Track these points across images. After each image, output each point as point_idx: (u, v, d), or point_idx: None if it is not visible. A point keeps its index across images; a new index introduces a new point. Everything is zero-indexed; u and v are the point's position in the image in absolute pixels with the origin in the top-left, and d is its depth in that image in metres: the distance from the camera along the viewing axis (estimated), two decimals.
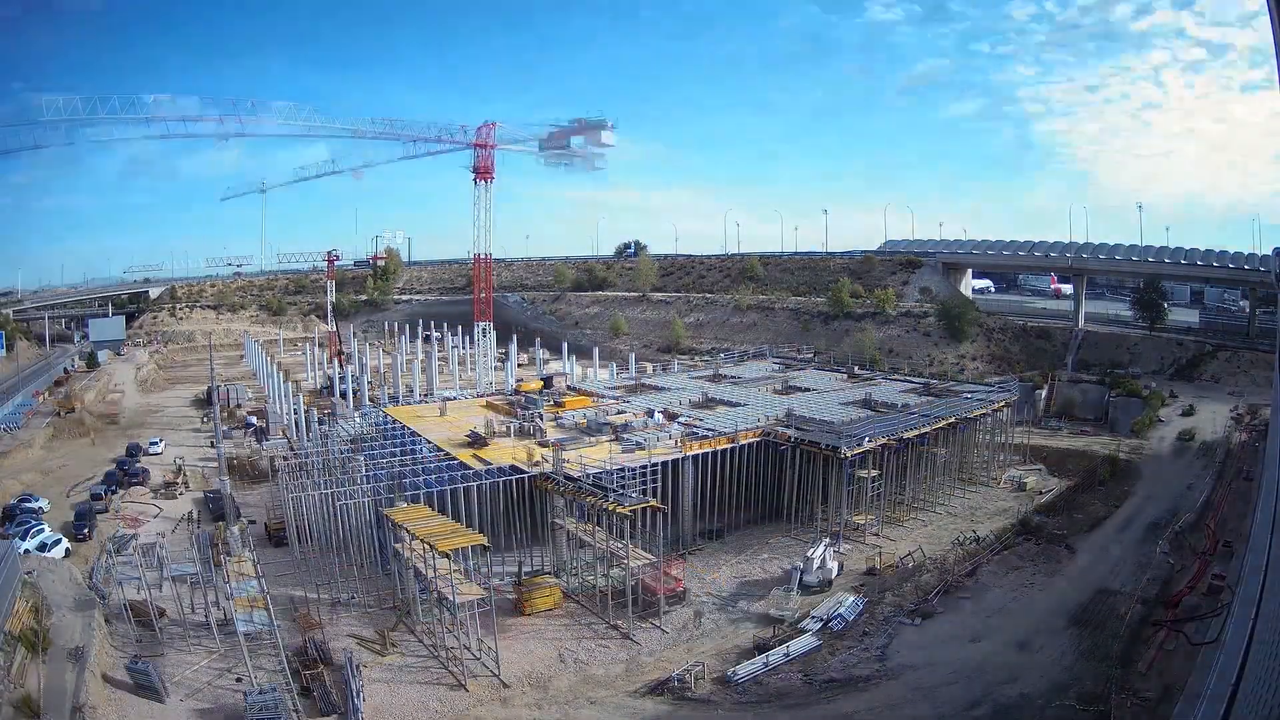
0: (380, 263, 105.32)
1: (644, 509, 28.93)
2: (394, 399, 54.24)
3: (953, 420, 41.11)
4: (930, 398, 46.32)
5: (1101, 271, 73.22)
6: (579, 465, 32.52)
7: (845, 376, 54.32)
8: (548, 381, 52.94)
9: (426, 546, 25.89)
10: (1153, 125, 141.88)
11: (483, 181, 55.58)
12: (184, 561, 29.34)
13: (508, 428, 40.88)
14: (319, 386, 66.02)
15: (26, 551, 29.82)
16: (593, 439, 38.63)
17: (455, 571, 25.61)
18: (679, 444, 36.20)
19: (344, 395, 57.59)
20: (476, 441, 37.91)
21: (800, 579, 29.51)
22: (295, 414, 49.52)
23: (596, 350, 71.55)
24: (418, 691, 23.72)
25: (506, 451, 36.24)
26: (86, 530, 34.88)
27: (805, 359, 63.34)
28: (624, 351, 74.15)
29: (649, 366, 66.26)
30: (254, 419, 56.81)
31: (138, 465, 45.41)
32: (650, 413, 42.89)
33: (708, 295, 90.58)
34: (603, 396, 48.67)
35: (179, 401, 67.02)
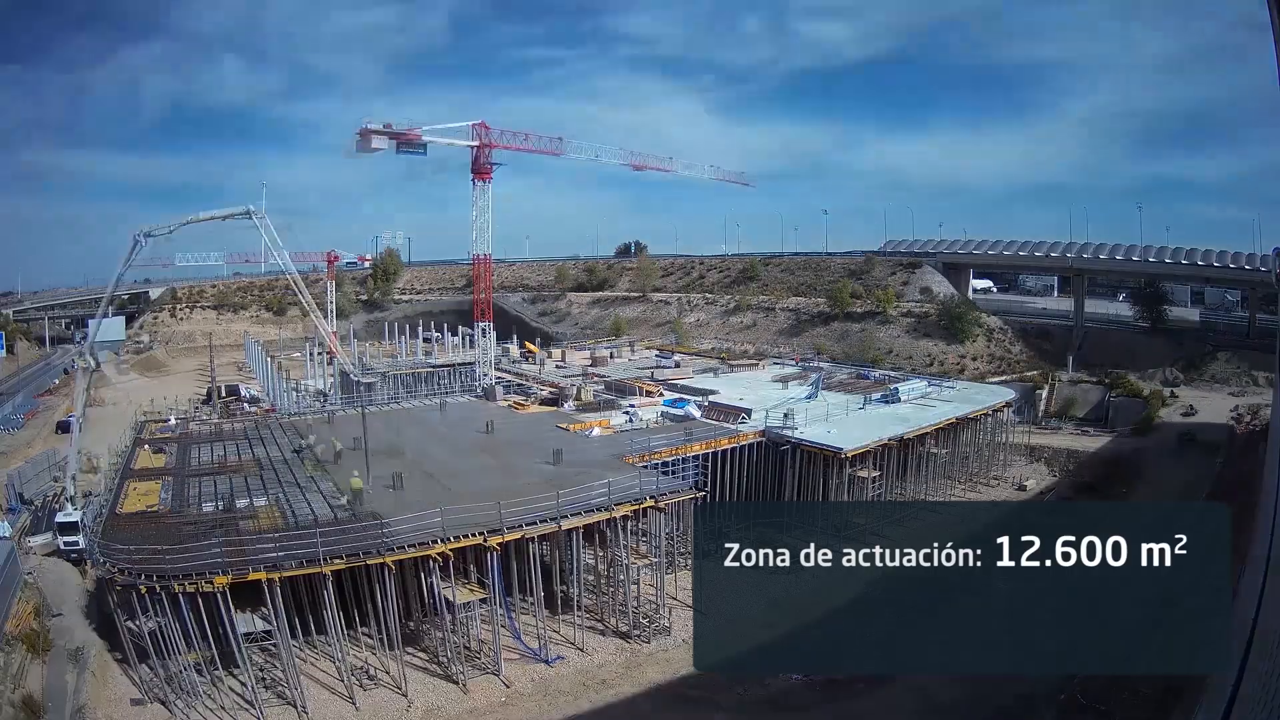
0: (365, 264, 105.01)
1: (642, 509, 29.00)
2: (394, 399, 54.61)
3: (953, 420, 41.27)
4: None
5: (1101, 271, 73.24)
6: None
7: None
8: None
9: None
10: None
11: (481, 181, 55.54)
12: None
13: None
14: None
15: None
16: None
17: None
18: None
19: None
20: None
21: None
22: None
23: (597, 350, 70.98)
24: (418, 692, 23.77)
25: None
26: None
27: (806, 359, 63.38)
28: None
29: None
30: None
31: None
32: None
33: (708, 295, 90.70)
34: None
35: (179, 402, 66.95)
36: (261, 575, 22.58)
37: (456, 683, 24.23)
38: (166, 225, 31.60)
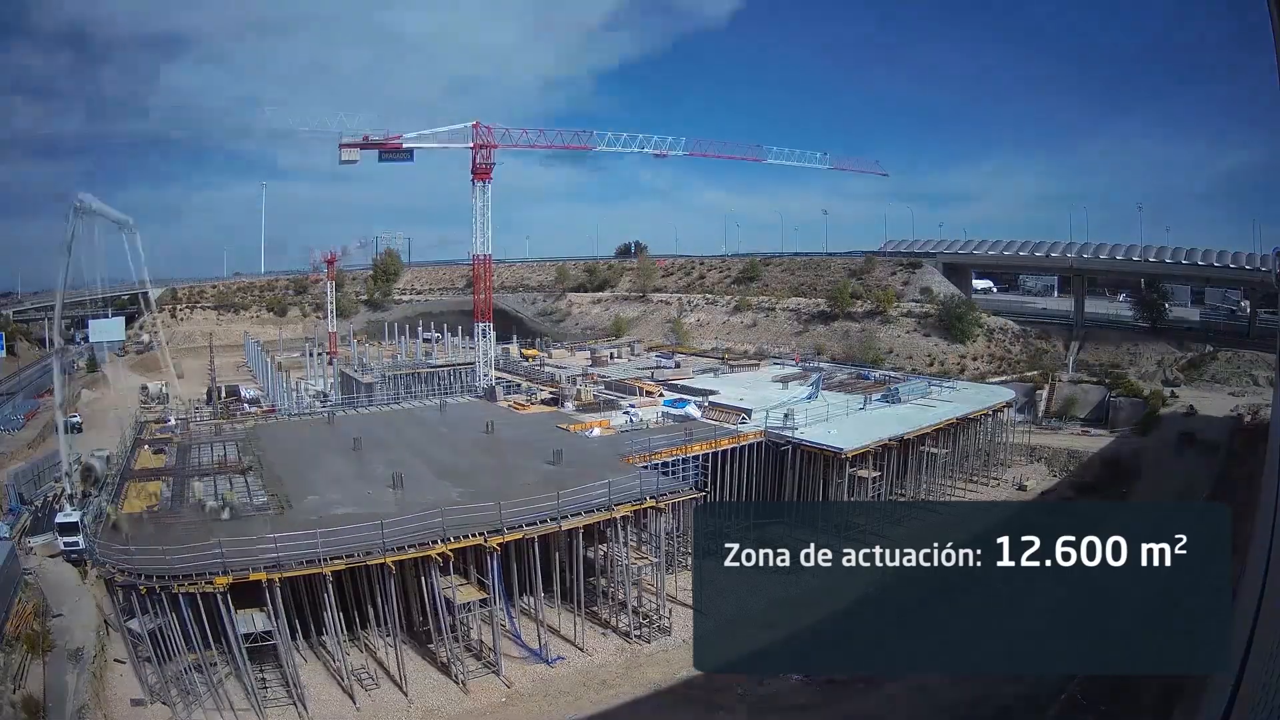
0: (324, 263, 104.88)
1: (642, 509, 29.00)
2: (394, 399, 54.71)
3: (953, 420, 41.29)
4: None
5: (1101, 271, 73.31)
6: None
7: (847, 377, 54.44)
8: None
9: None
10: None
11: (481, 182, 55.55)
12: None
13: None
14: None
15: None
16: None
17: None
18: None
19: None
20: None
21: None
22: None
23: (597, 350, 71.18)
24: (418, 692, 23.79)
25: None
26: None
27: (806, 359, 63.42)
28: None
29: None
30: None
31: None
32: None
33: (708, 295, 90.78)
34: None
35: (180, 403, 67.02)
36: (261, 575, 22.58)
37: (457, 682, 24.24)
38: (87, 201, 33.94)
